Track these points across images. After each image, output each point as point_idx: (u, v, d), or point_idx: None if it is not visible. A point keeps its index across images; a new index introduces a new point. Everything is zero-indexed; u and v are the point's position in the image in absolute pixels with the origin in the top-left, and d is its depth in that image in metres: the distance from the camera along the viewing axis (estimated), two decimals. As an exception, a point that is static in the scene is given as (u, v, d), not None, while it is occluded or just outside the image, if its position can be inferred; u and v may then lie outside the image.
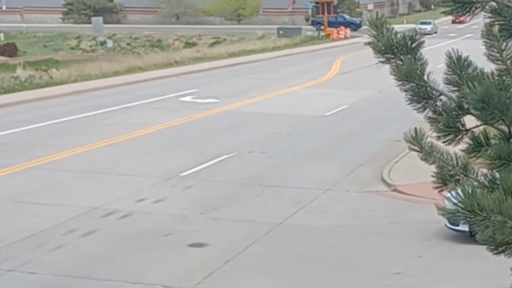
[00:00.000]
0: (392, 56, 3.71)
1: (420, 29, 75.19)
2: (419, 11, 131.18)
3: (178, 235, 13.96)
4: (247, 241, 13.58)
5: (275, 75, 43.28)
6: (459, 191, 3.21)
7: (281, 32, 75.03)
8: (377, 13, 3.82)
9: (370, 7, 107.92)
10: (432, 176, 3.79)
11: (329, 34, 74.56)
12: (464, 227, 13.45)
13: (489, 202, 3.05)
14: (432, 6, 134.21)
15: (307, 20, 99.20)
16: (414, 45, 3.69)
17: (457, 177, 3.61)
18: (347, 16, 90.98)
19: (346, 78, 42.02)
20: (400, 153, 21.38)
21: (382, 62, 3.75)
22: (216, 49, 61.57)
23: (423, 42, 3.74)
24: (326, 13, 77.16)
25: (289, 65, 49.11)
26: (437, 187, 3.78)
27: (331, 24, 80.00)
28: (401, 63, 3.68)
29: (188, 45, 70.79)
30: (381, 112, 29.40)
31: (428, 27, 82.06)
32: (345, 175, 19.13)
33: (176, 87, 36.99)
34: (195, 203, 16.18)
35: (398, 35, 3.69)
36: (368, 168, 19.97)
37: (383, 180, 18.62)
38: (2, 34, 76.43)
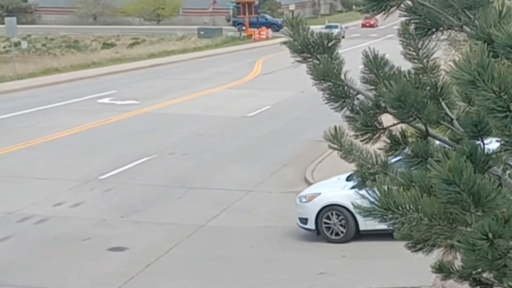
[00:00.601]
0: (309, 56, 3.70)
1: None
2: (341, 11, 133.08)
3: (98, 239, 13.57)
4: (169, 244, 13.30)
5: (196, 76, 42.97)
6: (375, 189, 3.12)
7: (201, 32, 74.70)
8: (292, 12, 3.72)
9: (292, 7, 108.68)
10: (351, 174, 3.76)
11: (251, 35, 74.72)
12: (311, 226, 13.32)
13: (405, 200, 3.03)
14: (354, 7, 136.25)
15: (228, 20, 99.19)
16: (330, 44, 3.70)
17: (377, 175, 3.56)
18: (268, 17, 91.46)
19: (268, 79, 42.08)
20: (323, 153, 21.43)
21: (299, 61, 3.74)
22: (135, 50, 60.81)
23: (339, 41, 3.75)
24: (247, 14, 77.34)
25: (210, 66, 48.86)
26: (356, 186, 3.75)
27: (252, 24, 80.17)
28: (317, 62, 3.67)
29: (106, 46, 69.66)
30: (304, 112, 29.47)
31: (334, 31, 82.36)
32: (268, 176, 19.02)
33: (94, 88, 36.24)
34: (115, 207, 15.78)
35: (314, 34, 3.69)
36: (291, 169, 19.93)
37: (306, 181, 18.59)
38: None
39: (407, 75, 3.62)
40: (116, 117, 27.61)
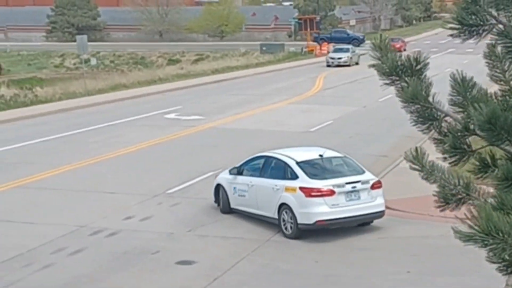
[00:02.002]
0: (397, 78, 3.70)
1: (331, 59, 60.26)
2: (401, 26, 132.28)
3: (166, 253, 13.97)
4: (235, 258, 13.62)
5: (259, 91, 43.43)
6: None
7: (264, 48, 75.32)
8: (380, 35, 3.87)
9: (352, 23, 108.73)
10: (434, 195, 3.79)
11: (312, 50, 74.95)
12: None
13: (505, 225, 3.03)
14: (414, 22, 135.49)
15: (289, 36, 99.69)
16: (418, 67, 3.70)
17: (459, 196, 3.62)
18: (350, 32, 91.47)
19: (329, 94, 42.23)
20: (385, 168, 21.54)
21: (387, 84, 3.75)
22: (199, 65, 61.73)
23: (428, 64, 3.74)
24: (308, 29, 77.59)
25: (272, 81, 49.28)
26: (439, 206, 3.78)
27: (335, 39, 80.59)
28: (406, 85, 3.68)
29: (172, 62, 70.89)
30: (366, 127, 29.57)
31: (344, 56, 60.56)
32: (331, 190, 19.16)
33: (161, 104, 37.03)
34: (182, 221, 16.20)
35: (403, 57, 3.69)
36: (353, 184, 20.04)
37: (369, 195, 18.68)
38: (-15, 53, 76.25)
39: (494, 97, 3.62)
40: (182, 132, 28.21)
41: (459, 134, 3.67)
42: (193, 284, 12.35)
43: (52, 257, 13.71)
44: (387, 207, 17.48)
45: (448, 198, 3.67)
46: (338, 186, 14.97)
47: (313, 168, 15.51)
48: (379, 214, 15.67)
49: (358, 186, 15.19)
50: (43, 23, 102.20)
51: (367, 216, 15.47)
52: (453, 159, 3.68)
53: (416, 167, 3.78)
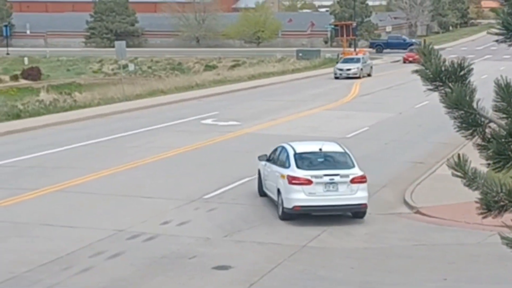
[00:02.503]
0: (441, 84, 3.71)
1: (339, 70, 54.68)
2: (437, 32, 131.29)
3: (203, 257, 14.09)
4: (272, 263, 13.69)
5: (295, 97, 43.49)
6: None
7: (300, 54, 75.37)
8: (424, 40, 3.88)
9: (389, 29, 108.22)
10: (476, 202, 3.78)
11: (349, 56, 74.75)
12: None
13: None
14: (450, 28, 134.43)
15: (326, 42, 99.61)
16: (462, 72, 3.69)
17: (501, 203, 3.61)
18: (407, 38, 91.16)
19: (365, 100, 42.12)
20: (422, 175, 21.46)
21: (430, 89, 3.76)
22: (236, 71, 62.01)
23: (472, 69, 3.73)
24: (345, 35, 77.45)
25: (308, 88, 49.31)
26: (481, 213, 3.77)
27: (392, 45, 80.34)
28: (450, 91, 3.68)
29: (208, 68, 71.31)
30: (402, 134, 29.47)
31: (353, 67, 54.77)
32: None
33: (198, 109, 37.30)
34: (219, 226, 16.32)
35: (446, 63, 3.70)
36: (390, 190, 20.04)
37: (406, 202, 18.66)
38: (26, 58, 77.49)
39: None
40: (219, 138, 28.40)
41: (503, 140, 3.64)
42: (229, 288, 12.45)
43: (91, 260, 13.91)
44: (423, 214, 17.47)
45: (491, 205, 3.66)
46: (316, 177, 16.51)
47: (305, 160, 17.18)
48: (357, 207, 16.82)
49: (336, 179, 16.54)
50: (82, 29, 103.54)
51: (344, 207, 16.79)
52: (497, 165, 3.66)
53: (459, 174, 3.75)
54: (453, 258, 14.16)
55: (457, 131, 3.73)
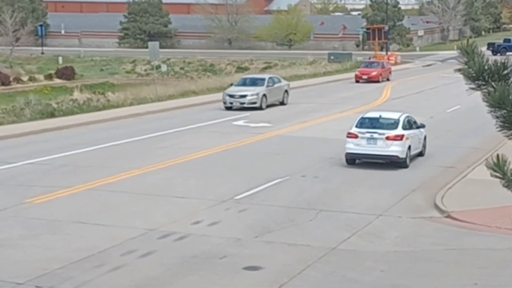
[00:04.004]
0: (483, 83, 3.69)
1: (230, 97, 37.24)
2: (470, 37, 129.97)
3: (233, 258, 14.17)
4: (302, 265, 13.72)
5: (326, 100, 43.45)
6: None
7: (331, 57, 75.28)
8: (467, 39, 3.88)
9: (421, 33, 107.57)
10: None
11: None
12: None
13: None
14: (483, 32, 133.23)
15: (357, 45, 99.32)
16: (506, 71, 3.68)
17: None
18: None
19: (397, 104, 41.90)
20: (453, 179, 21.35)
21: (473, 88, 3.73)
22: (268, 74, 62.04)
23: None
24: (376, 39, 77.21)
25: (340, 90, 49.24)
26: None
27: (509, 48, 79.29)
28: (493, 90, 3.66)
29: (240, 69, 71.49)
30: (432, 138, 29.20)
31: (250, 94, 37.06)
32: (397, 200, 19.15)
33: (230, 111, 37.40)
34: (249, 227, 16.39)
35: (490, 62, 3.69)
36: (420, 194, 19.96)
37: (436, 206, 18.58)
38: (60, 58, 78.42)
39: None
40: (250, 139, 28.50)
41: None
42: (259, 289, 12.50)
43: (122, 259, 14.05)
44: (454, 218, 17.39)
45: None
46: (361, 133, 22.94)
47: (364, 122, 23.50)
48: (390, 157, 22.83)
49: (375, 135, 22.85)
50: (116, 30, 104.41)
51: (380, 156, 22.91)
52: None
53: (497, 174, 3.72)
54: (484, 263, 14.08)
55: (499, 130, 3.71)
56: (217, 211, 17.69)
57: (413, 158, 24.22)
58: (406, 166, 22.89)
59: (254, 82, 38.57)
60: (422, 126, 24.86)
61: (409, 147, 23.20)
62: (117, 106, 38.68)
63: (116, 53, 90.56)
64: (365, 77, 54.10)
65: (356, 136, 22.86)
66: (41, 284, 12.66)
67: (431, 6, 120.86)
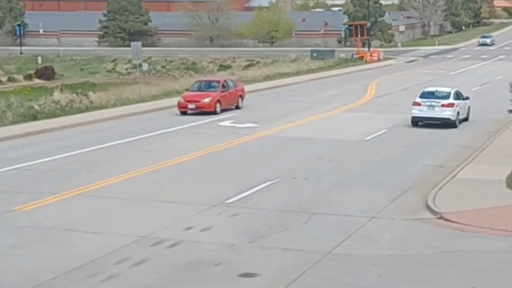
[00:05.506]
0: None
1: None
2: (450, 32, 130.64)
3: (228, 264, 14.01)
4: (298, 271, 13.59)
5: (311, 98, 43.38)
6: None
7: (314, 54, 75.27)
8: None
9: (402, 28, 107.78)
10: None
11: (362, 57, 74.63)
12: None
13: None
14: (463, 27, 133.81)
15: (339, 42, 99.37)
16: None
17: None
18: None
19: (382, 102, 41.99)
20: (444, 179, 21.31)
21: None
22: (250, 71, 61.93)
23: None
24: (359, 36, 77.27)
25: (324, 88, 49.21)
26: None
27: None
28: None
29: (223, 67, 71.26)
30: (422, 136, 29.31)
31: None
32: (389, 201, 19.08)
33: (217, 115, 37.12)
34: (242, 232, 16.23)
35: None
36: (412, 195, 19.90)
37: (428, 207, 18.52)
38: (39, 58, 77.72)
39: None
40: (237, 140, 28.33)
41: None
42: (256, 297, 12.35)
43: (116, 267, 13.84)
44: (447, 220, 17.34)
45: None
46: (423, 101, 31.29)
47: (425, 94, 31.82)
48: (444, 120, 31.03)
49: (433, 103, 31.15)
50: (95, 28, 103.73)
51: (437, 119, 31.08)
52: None
53: None
54: (480, 266, 14.02)
55: None
56: (209, 216, 17.51)
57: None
58: (455, 126, 30.97)
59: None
60: (467, 98, 32.91)
61: (458, 113, 31.39)
62: (101, 108, 38.33)
63: (96, 52, 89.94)
64: (192, 106, 35.95)
65: (419, 104, 31.16)
66: (34, 296, 12.44)
67: (412, 1, 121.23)
